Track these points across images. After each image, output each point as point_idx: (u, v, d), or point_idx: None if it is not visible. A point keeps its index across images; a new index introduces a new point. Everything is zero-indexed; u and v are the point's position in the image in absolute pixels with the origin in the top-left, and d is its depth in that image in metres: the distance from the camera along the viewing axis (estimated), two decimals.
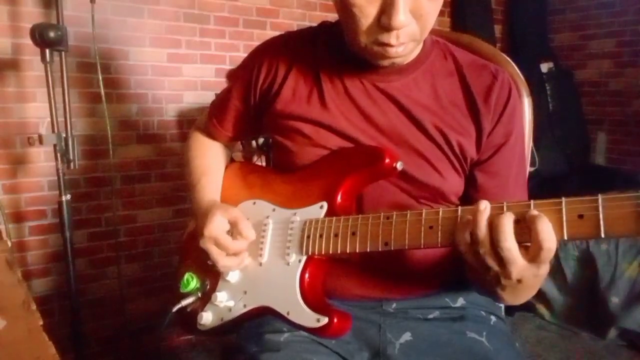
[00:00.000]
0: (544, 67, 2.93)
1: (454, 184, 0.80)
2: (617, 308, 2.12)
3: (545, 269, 0.59)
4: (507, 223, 0.57)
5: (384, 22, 0.68)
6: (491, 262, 0.59)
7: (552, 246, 0.55)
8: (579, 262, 2.22)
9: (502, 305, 0.92)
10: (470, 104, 0.80)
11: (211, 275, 0.87)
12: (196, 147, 1.00)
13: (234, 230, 0.80)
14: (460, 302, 0.85)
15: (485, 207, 0.59)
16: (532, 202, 0.58)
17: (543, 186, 2.50)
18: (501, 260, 0.58)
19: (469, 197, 0.82)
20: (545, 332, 2.29)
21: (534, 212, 0.56)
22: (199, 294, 0.87)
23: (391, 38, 0.69)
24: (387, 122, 0.79)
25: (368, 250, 0.70)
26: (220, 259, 0.79)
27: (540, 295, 2.34)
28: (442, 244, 0.64)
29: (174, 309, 0.85)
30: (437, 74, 0.81)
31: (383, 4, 0.67)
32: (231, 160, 1.03)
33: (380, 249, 0.69)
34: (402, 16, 0.66)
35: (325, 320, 0.72)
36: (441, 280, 0.85)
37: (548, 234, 0.55)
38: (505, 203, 0.60)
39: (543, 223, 0.55)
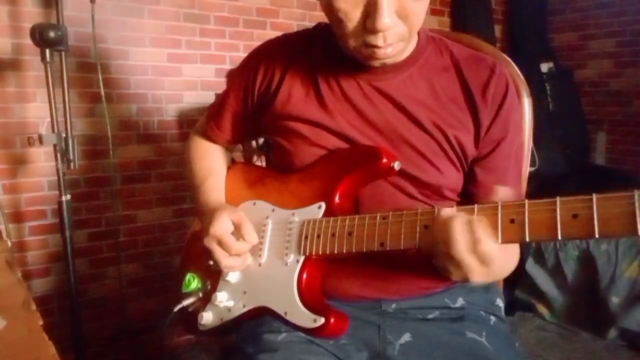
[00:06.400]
0: (544, 67, 2.93)
1: (452, 180, 0.80)
2: (617, 308, 2.12)
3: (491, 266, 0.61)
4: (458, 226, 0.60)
5: (369, 25, 0.68)
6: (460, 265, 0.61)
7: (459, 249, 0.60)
8: (579, 262, 2.22)
9: (502, 306, 0.92)
10: (468, 98, 0.80)
11: (212, 275, 0.87)
12: (197, 149, 1.00)
13: (237, 233, 0.81)
14: (460, 302, 0.85)
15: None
16: (526, 201, 0.58)
17: (543, 186, 2.50)
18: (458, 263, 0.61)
19: (469, 193, 0.82)
20: (545, 332, 2.29)
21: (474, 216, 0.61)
22: (200, 294, 0.87)
23: (378, 40, 0.69)
24: (384, 121, 0.79)
25: (364, 250, 0.70)
26: (223, 259, 0.80)
27: (540, 295, 2.34)
28: None
29: (176, 309, 0.85)
30: (433, 70, 0.81)
31: (367, 8, 0.67)
32: (232, 161, 1.03)
33: (376, 249, 0.69)
34: (386, 19, 0.66)
35: (321, 320, 0.72)
36: (441, 280, 0.85)
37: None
38: (499, 203, 0.60)
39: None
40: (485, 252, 0.59)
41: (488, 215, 0.60)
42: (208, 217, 0.83)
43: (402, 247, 0.67)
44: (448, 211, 0.63)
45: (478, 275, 0.61)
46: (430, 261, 0.82)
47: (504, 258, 0.63)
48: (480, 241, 0.59)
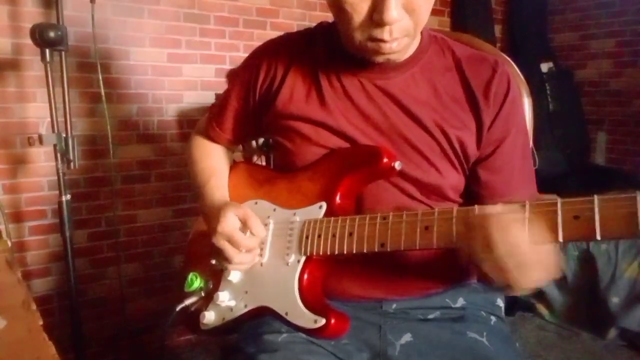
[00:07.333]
0: (544, 67, 2.93)
1: (452, 181, 0.80)
2: (617, 308, 2.12)
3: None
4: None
5: (376, 18, 0.68)
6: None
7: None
8: (579, 262, 2.22)
9: (502, 306, 0.92)
10: (470, 98, 0.80)
11: (214, 275, 0.87)
12: (199, 149, 1.00)
13: (244, 228, 0.80)
14: (461, 302, 0.85)
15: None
16: (527, 202, 0.57)
17: (543, 186, 2.49)
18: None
19: (475, 194, 0.82)
20: (545, 332, 2.29)
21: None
22: (202, 294, 0.87)
23: (384, 33, 0.69)
24: (385, 121, 0.79)
25: (365, 250, 0.70)
26: (235, 256, 0.79)
27: (540, 295, 2.34)
28: (438, 244, 0.64)
29: (178, 308, 0.85)
30: (435, 70, 0.81)
31: (374, 0, 0.67)
32: (233, 161, 1.03)
33: (376, 250, 0.69)
34: (393, 11, 0.66)
35: (322, 321, 0.72)
36: (441, 280, 0.85)
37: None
38: (499, 204, 0.60)
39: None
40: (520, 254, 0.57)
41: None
42: (214, 216, 0.82)
43: (402, 248, 0.67)
44: (487, 210, 0.60)
45: (519, 282, 0.59)
46: (430, 262, 0.82)
47: None
48: (517, 245, 0.57)
